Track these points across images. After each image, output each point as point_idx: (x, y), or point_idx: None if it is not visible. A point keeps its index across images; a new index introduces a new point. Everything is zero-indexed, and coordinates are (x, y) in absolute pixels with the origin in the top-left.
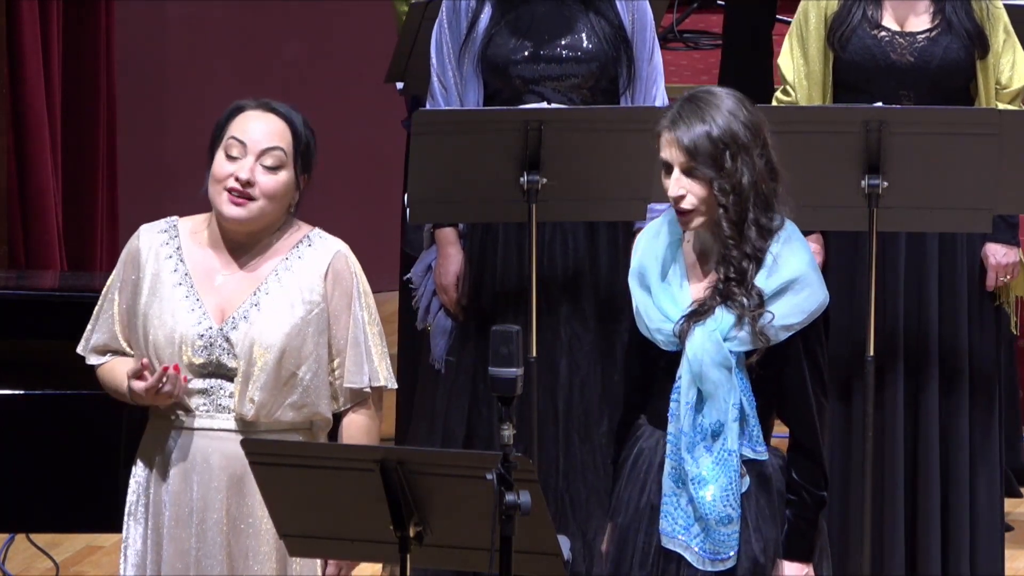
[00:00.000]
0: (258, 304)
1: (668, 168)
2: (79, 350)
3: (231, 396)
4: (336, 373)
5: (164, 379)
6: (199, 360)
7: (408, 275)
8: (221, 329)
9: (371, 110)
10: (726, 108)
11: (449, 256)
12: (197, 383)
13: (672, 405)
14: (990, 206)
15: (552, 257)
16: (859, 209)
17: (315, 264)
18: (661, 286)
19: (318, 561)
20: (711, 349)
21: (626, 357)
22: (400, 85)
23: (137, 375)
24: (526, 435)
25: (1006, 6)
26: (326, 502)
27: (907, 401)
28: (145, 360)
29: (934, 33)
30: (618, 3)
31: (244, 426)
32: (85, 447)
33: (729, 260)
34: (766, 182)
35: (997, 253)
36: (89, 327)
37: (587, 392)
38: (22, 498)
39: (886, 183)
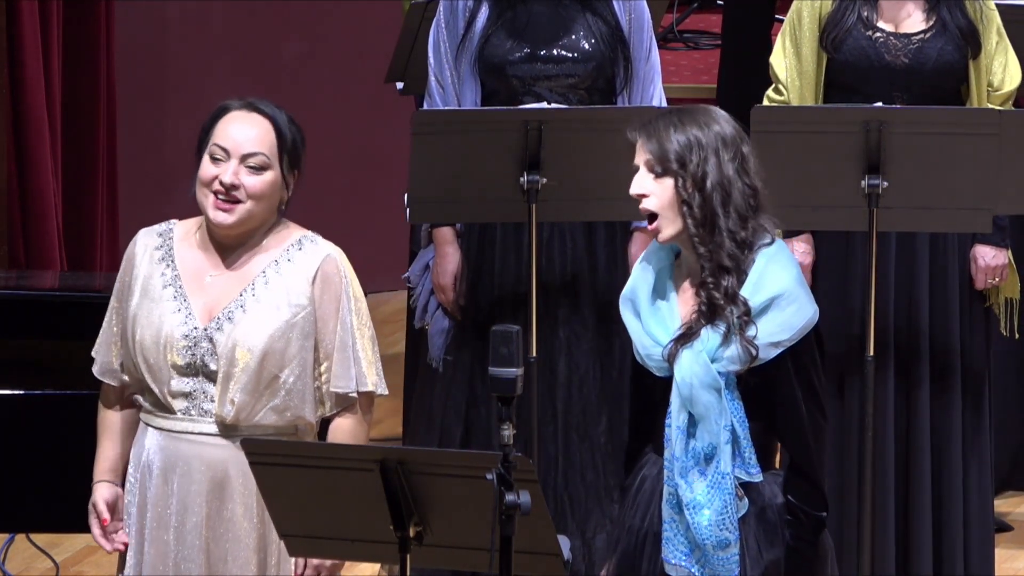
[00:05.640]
0: (244, 305)
1: (636, 171)
2: (95, 369)
3: (213, 400)
4: (323, 378)
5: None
6: (182, 361)
7: (406, 274)
8: (205, 330)
9: (371, 110)
10: (701, 119)
11: (446, 256)
12: (180, 385)
13: (666, 431)
14: (990, 206)
15: (550, 257)
16: (859, 209)
17: (304, 267)
18: (650, 311)
19: (291, 563)
20: (699, 371)
21: (630, 385)
22: (400, 85)
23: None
24: (525, 435)
25: (1001, 6)
26: (326, 502)
27: (898, 399)
28: (108, 521)
29: (929, 35)
30: (615, 3)
31: (225, 430)
32: (85, 447)
33: (708, 271)
34: (738, 191)
35: (986, 255)
36: (99, 338)
37: (586, 391)
38: (22, 498)
39: (886, 183)
